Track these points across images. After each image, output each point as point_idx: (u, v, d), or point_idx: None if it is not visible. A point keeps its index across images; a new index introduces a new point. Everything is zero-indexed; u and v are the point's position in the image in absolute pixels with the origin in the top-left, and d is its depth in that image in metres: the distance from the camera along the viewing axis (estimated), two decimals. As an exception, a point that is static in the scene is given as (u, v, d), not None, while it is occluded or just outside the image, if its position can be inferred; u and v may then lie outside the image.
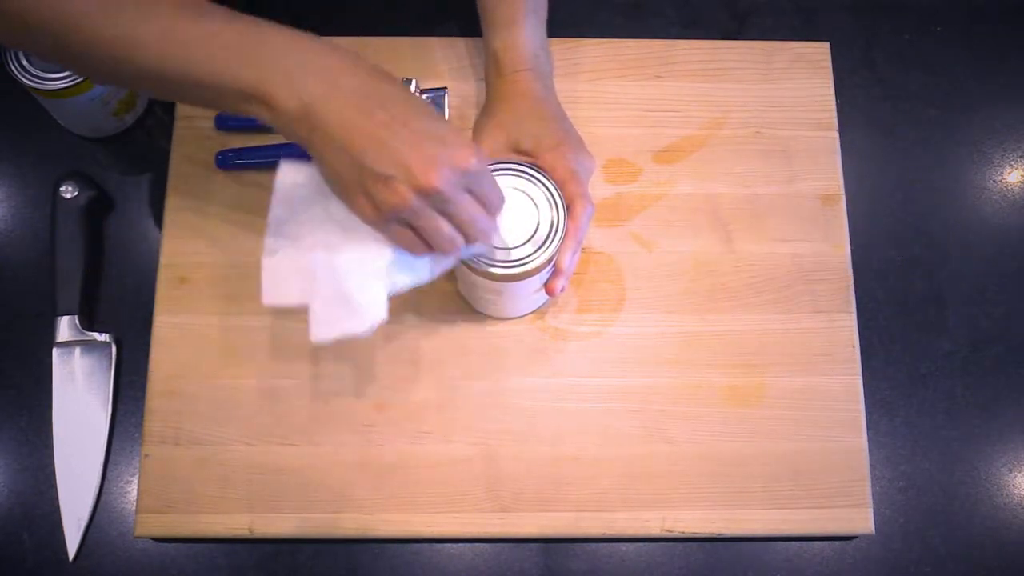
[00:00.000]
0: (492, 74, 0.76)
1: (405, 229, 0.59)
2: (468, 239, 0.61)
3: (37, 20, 0.56)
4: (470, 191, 0.59)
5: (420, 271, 0.64)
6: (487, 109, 0.76)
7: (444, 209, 0.58)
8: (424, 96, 0.81)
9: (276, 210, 0.64)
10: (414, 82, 0.80)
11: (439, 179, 0.56)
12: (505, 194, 0.63)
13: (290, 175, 0.63)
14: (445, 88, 0.82)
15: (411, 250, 0.61)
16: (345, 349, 0.76)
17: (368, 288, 0.62)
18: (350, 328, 0.62)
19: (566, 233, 0.67)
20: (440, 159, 0.56)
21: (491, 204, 0.61)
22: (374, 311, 0.62)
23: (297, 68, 0.56)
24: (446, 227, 0.59)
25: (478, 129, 0.75)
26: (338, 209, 0.62)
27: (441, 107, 0.81)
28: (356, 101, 0.57)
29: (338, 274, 0.62)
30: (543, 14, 0.77)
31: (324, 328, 0.63)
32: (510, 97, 0.74)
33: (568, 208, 0.68)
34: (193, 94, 0.60)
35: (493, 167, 0.67)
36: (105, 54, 0.57)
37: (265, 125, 0.58)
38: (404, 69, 0.82)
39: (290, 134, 0.59)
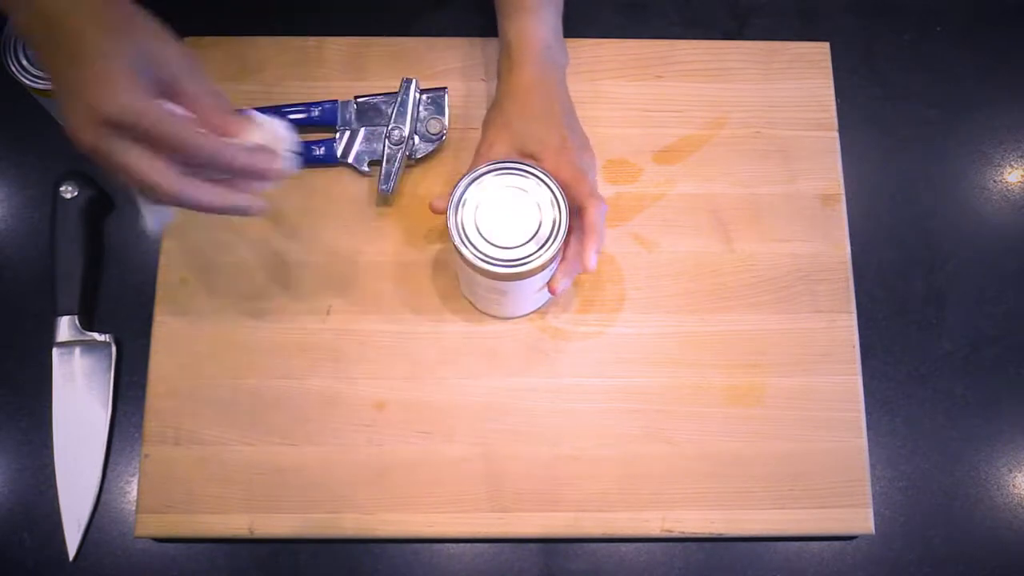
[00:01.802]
0: (504, 65, 0.76)
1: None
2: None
3: None
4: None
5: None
6: (496, 105, 0.76)
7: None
8: (424, 96, 0.81)
9: None
10: (414, 82, 0.80)
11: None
12: (507, 194, 0.64)
13: None
14: (445, 88, 0.82)
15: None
16: (345, 349, 0.76)
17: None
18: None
19: (588, 233, 0.68)
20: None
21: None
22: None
23: None
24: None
25: (487, 126, 0.75)
26: None
27: (441, 107, 0.81)
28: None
29: None
30: (560, 4, 0.76)
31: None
32: (519, 93, 0.73)
33: (582, 209, 0.68)
34: None
35: (495, 167, 0.67)
36: None
37: None
38: (404, 69, 0.82)
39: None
